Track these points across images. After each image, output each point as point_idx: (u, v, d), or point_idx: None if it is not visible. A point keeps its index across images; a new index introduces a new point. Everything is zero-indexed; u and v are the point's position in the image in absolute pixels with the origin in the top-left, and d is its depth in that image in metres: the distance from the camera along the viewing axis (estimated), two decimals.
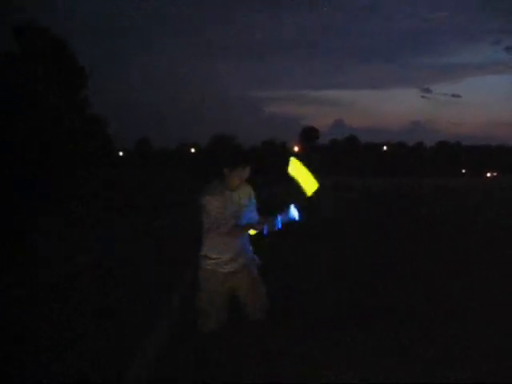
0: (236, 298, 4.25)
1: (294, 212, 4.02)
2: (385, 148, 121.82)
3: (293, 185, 4.06)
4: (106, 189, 26.54)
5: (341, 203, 23.89)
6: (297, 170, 4.10)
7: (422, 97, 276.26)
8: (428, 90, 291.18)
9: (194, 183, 43.78)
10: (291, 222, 4.06)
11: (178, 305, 6.12)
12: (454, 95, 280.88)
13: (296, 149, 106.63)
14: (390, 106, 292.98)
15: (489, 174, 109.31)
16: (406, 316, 5.64)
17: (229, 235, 3.98)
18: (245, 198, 4.15)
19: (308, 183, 4.08)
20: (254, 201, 4.25)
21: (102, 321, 5.44)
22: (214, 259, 4.04)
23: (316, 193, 4.05)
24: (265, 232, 3.97)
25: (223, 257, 4.03)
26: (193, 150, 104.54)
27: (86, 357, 4.40)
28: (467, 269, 8.18)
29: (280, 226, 3.99)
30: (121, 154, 79.77)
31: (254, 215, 4.22)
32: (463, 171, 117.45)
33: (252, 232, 4.11)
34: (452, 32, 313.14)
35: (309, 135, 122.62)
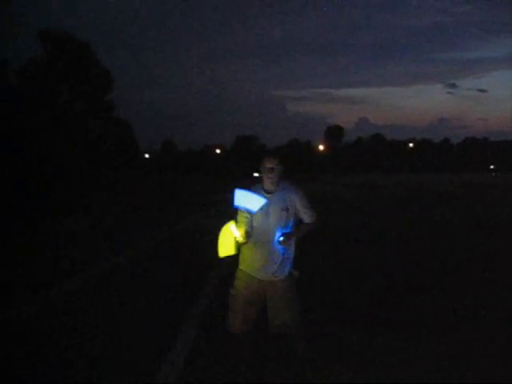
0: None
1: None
2: (411, 145, 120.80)
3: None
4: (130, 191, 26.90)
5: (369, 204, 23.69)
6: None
7: (448, 92, 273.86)
8: (453, 86, 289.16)
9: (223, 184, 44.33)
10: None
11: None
12: (479, 90, 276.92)
13: (321, 148, 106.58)
14: (414, 103, 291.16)
15: None
16: (406, 316, 5.63)
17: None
18: (284, 201, 3.92)
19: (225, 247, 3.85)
20: (300, 205, 3.97)
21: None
22: (248, 260, 3.97)
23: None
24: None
25: (255, 262, 3.93)
26: (218, 151, 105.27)
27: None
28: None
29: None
30: (147, 156, 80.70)
31: (306, 219, 4.00)
32: (491, 167, 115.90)
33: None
34: (476, 26, 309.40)
35: (334, 134, 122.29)
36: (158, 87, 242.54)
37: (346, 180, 60.32)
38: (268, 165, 3.89)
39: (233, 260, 4.12)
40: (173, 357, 4.49)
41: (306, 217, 3.98)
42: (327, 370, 4.15)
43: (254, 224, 3.92)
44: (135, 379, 4.09)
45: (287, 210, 3.90)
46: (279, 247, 3.86)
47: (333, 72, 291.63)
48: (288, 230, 3.90)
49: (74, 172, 20.46)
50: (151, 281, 7.37)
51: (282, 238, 3.81)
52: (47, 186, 16.12)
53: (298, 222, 4.01)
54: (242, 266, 4.02)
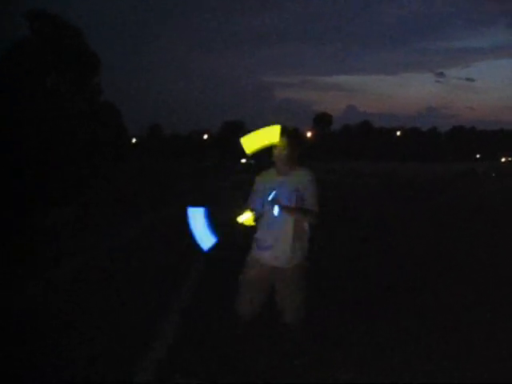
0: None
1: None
2: (398, 133, 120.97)
3: None
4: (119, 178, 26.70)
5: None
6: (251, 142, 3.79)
7: (436, 81, 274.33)
8: (442, 75, 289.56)
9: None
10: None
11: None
12: (467, 79, 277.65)
13: (309, 134, 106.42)
14: (403, 91, 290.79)
15: (503, 159, 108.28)
16: (407, 317, 5.54)
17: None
18: (295, 183, 3.81)
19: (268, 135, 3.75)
20: (308, 191, 3.83)
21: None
22: (259, 245, 3.92)
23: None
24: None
25: (266, 247, 3.87)
26: (205, 137, 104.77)
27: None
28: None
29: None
30: (134, 140, 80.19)
31: (308, 205, 3.83)
32: (478, 156, 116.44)
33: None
34: (464, 15, 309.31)
35: (322, 121, 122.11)
36: (145, 72, 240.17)
37: (334, 166, 60.12)
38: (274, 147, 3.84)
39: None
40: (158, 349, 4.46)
41: (309, 203, 3.82)
42: (327, 370, 4.12)
43: (267, 209, 3.84)
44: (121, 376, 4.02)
45: (298, 190, 3.80)
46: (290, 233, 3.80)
47: (321, 59, 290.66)
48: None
49: (68, 161, 20.27)
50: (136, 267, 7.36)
51: (276, 207, 3.75)
52: (38, 175, 15.97)
53: None
54: (253, 251, 3.99)
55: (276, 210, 3.75)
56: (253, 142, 3.78)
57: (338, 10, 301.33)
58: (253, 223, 3.83)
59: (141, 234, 10.75)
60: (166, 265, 7.43)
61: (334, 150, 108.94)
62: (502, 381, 4.01)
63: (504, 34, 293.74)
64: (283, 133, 3.79)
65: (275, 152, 3.84)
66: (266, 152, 3.87)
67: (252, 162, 48.79)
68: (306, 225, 3.91)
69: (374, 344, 4.65)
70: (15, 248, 8.42)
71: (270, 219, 3.84)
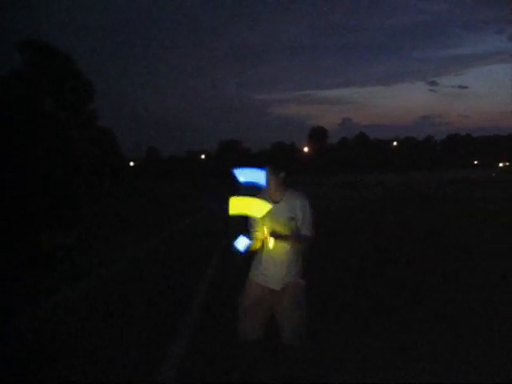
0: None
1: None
2: (395, 143, 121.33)
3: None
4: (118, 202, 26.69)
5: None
6: (237, 206, 3.79)
7: (429, 90, 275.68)
8: (434, 83, 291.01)
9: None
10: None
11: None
12: (460, 86, 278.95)
13: (306, 150, 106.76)
14: (397, 101, 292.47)
15: (501, 164, 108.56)
16: (407, 317, 5.64)
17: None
18: (290, 210, 3.86)
19: (257, 208, 3.75)
20: (301, 215, 3.87)
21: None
22: (257, 269, 3.98)
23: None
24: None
25: (264, 271, 3.93)
26: (203, 157, 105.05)
27: None
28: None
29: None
30: (131, 164, 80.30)
31: (302, 227, 3.89)
32: (475, 163, 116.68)
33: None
34: (454, 23, 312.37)
35: (318, 135, 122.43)
36: (139, 95, 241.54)
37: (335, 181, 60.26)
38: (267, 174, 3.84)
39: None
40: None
41: (304, 228, 3.88)
42: (328, 370, 4.15)
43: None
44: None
45: (293, 218, 3.85)
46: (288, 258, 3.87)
47: (315, 74, 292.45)
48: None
49: (63, 185, 20.29)
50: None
51: (272, 240, 3.78)
52: (35, 199, 15.98)
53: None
54: (251, 276, 4.03)
55: (271, 243, 3.80)
56: (240, 206, 3.80)
57: (327, 23, 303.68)
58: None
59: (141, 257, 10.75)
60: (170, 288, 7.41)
61: (333, 164, 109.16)
62: (502, 380, 4.01)
63: (495, 41, 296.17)
64: (270, 162, 3.88)
65: (273, 182, 3.87)
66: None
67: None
68: (300, 247, 3.94)
69: (375, 345, 4.70)
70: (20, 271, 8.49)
71: (264, 245, 3.88)
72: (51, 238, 12.48)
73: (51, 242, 12.13)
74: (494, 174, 55.25)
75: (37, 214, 14.65)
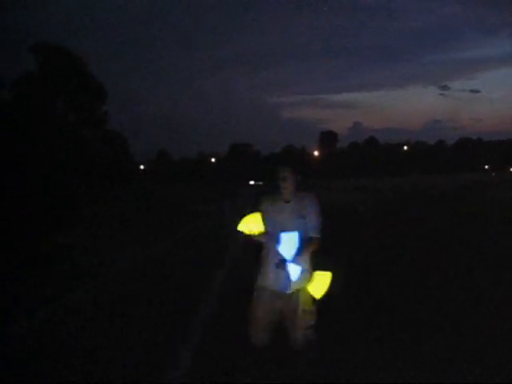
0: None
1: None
2: (405, 148, 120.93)
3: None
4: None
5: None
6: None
7: (440, 94, 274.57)
8: (446, 87, 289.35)
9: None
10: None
11: None
12: (472, 90, 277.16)
13: (316, 153, 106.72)
14: (408, 106, 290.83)
15: None
16: (409, 316, 5.65)
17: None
18: (300, 209, 3.98)
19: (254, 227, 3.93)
20: (310, 215, 3.98)
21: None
22: (265, 272, 4.01)
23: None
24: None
25: (272, 274, 3.94)
26: (213, 160, 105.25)
27: None
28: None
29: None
30: (142, 167, 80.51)
31: (310, 228, 3.97)
32: (486, 167, 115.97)
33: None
34: (466, 27, 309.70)
35: (328, 139, 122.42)
36: (151, 98, 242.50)
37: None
38: (281, 174, 3.95)
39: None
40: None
41: (312, 228, 3.95)
42: (328, 370, 4.16)
43: (272, 233, 3.94)
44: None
45: (304, 217, 3.95)
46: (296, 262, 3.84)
47: (324, 77, 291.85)
48: (297, 251, 3.87)
49: (71, 187, 20.35)
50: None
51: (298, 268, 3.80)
52: (42, 201, 16.02)
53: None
54: (260, 282, 4.06)
55: (298, 273, 3.80)
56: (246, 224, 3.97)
57: (338, 26, 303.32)
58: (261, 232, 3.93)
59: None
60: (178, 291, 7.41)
61: (342, 169, 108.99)
62: (502, 381, 4.01)
63: (507, 44, 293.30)
64: (289, 167, 3.99)
65: (283, 184, 3.95)
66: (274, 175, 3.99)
67: (260, 183, 48.95)
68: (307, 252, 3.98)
69: (377, 346, 4.70)
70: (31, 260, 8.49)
71: (272, 248, 3.93)
72: (51, 239, 12.51)
73: (51, 242, 12.16)
74: (493, 174, 55.56)
75: (37, 214, 14.65)
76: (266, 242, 3.98)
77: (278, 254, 3.86)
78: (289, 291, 3.92)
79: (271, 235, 3.94)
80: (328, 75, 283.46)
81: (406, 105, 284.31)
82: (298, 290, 3.93)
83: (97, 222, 17.84)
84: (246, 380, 4.01)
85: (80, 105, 32.36)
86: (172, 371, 4.33)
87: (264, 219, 3.98)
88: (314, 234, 3.95)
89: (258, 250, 4.03)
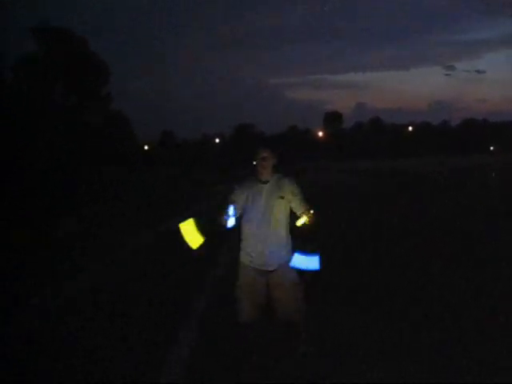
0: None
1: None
2: (410, 128, 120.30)
3: None
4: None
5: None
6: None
7: (446, 75, 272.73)
8: (451, 68, 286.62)
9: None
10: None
11: None
12: (477, 71, 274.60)
13: (320, 134, 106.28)
14: (412, 86, 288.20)
15: None
16: (409, 304, 5.65)
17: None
18: (279, 190, 4.01)
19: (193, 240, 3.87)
20: (291, 195, 4.04)
21: None
22: (246, 251, 4.06)
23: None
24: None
25: (254, 252, 4.00)
26: (217, 141, 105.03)
27: None
28: None
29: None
30: (146, 147, 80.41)
31: (297, 207, 4.03)
32: (491, 148, 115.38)
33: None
34: (471, 7, 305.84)
35: (333, 120, 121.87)
36: (154, 77, 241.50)
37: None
38: (260, 154, 4.00)
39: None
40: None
41: (299, 207, 4.02)
42: (328, 369, 4.11)
43: (251, 215, 4.01)
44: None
45: (282, 198, 3.99)
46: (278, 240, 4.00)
47: (329, 58, 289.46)
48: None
49: (74, 171, 20.23)
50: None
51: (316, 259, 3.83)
52: (44, 186, 15.92)
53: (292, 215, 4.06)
54: (242, 258, 4.11)
55: (317, 263, 3.83)
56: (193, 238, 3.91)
57: (343, 6, 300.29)
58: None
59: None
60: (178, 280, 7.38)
61: (347, 149, 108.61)
62: (502, 380, 3.97)
63: None
64: (267, 145, 4.11)
65: (263, 163, 4.02)
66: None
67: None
68: (286, 226, 4.08)
69: (376, 345, 4.64)
70: (31, 259, 8.39)
71: (252, 226, 4.01)
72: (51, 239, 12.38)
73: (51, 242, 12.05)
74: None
75: (37, 214, 14.50)
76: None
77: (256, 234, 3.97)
78: (271, 268, 4.00)
79: (250, 216, 4.01)
80: (331, 56, 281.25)
81: (410, 85, 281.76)
82: (280, 265, 3.99)
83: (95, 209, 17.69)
84: (246, 380, 3.98)
85: (82, 87, 32.11)
86: (172, 371, 4.29)
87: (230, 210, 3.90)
88: (303, 209, 3.99)
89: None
